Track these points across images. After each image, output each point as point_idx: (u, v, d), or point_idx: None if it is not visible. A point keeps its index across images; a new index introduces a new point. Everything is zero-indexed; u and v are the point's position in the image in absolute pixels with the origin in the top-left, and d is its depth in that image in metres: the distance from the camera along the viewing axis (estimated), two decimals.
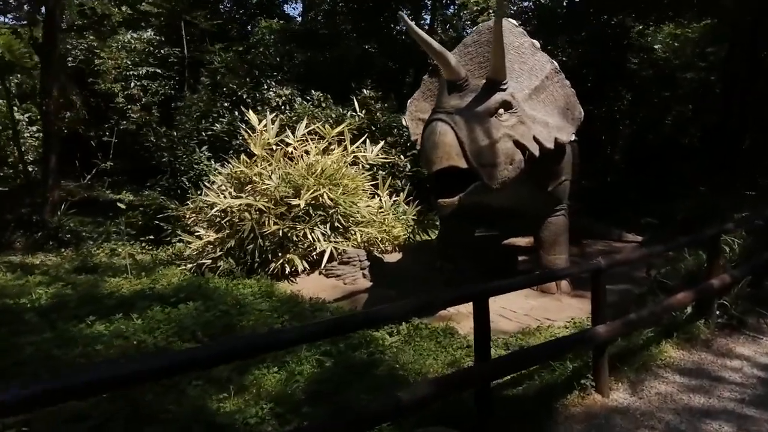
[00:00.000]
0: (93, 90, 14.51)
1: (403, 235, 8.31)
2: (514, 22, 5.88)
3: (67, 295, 5.65)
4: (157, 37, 15.09)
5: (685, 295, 4.34)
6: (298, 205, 6.77)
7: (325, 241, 7.01)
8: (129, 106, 13.52)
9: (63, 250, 8.75)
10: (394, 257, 7.84)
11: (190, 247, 7.00)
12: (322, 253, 6.89)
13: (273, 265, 6.70)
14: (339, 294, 6.24)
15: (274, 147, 7.66)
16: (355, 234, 7.45)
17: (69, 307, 5.25)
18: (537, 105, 5.61)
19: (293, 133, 8.04)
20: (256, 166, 7.24)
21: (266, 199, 6.93)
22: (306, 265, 6.85)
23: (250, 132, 7.80)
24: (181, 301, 5.44)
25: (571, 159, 6.22)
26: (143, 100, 13.67)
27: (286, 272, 6.70)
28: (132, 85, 14.42)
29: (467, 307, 5.31)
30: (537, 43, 5.92)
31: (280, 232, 6.73)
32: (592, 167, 10.58)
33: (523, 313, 5.57)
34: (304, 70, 11.47)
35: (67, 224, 9.36)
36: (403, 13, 5.69)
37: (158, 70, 14.47)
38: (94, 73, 14.10)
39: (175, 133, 9.22)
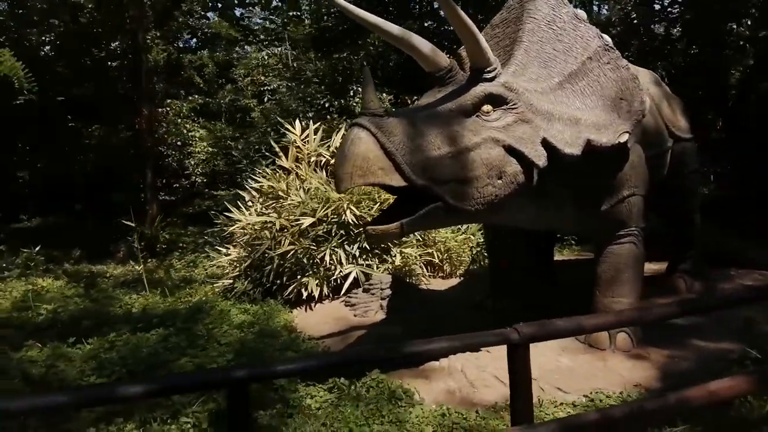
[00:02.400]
0: None
1: (467, 258, 7.06)
2: None
3: (67, 311, 5.64)
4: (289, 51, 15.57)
5: None
6: (314, 223, 6.02)
7: (350, 263, 6.15)
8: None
9: (151, 260, 9.16)
10: (446, 284, 6.67)
11: (213, 266, 6.68)
12: (348, 276, 6.05)
13: (291, 288, 6.04)
14: (339, 327, 5.33)
15: (314, 158, 7.00)
16: (395, 256, 6.45)
17: (53, 326, 5.18)
18: (570, 96, 4.18)
19: None
20: (284, 179, 6.65)
21: (292, 216, 6.30)
22: (327, 291, 6.06)
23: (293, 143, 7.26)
24: (153, 327, 5.06)
25: (637, 166, 4.53)
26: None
27: (303, 297, 5.98)
28: (266, 99, 15.07)
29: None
30: (582, 14, 4.44)
31: (297, 252, 6.03)
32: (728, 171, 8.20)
33: (539, 375, 4.10)
34: (402, 74, 10.70)
35: (163, 236, 9.84)
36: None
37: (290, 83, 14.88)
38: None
39: (239, 146, 9.17)
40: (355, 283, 6.04)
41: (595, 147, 4.01)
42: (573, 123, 4.03)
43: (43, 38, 14.01)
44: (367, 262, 6.30)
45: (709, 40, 10.34)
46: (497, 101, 3.79)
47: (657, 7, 11.73)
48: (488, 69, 3.77)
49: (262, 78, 15.63)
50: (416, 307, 5.61)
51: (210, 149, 14.91)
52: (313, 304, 6.00)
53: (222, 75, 19.42)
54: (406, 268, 6.50)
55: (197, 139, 15.08)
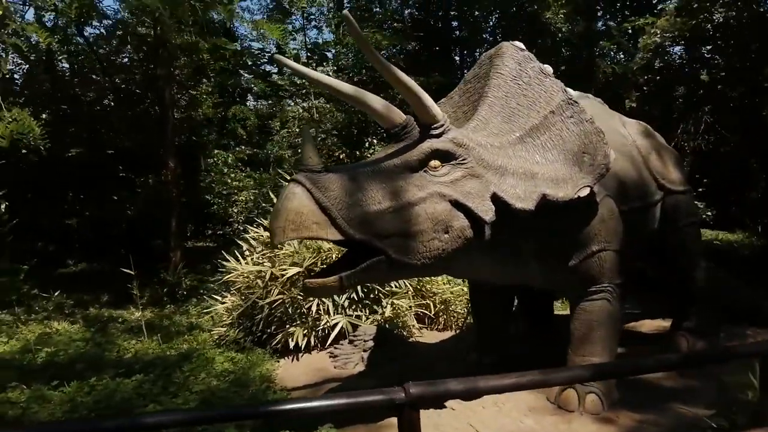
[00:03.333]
0: None
1: (463, 311, 6.94)
2: (519, 44, 4.54)
3: (67, 354, 5.90)
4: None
5: None
6: (303, 273, 6.11)
7: (338, 314, 6.18)
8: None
9: (169, 306, 9.47)
10: (439, 337, 6.57)
11: (211, 313, 6.85)
12: (335, 327, 6.07)
13: (279, 338, 6.10)
14: (316, 379, 5.33)
15: None
16: (386, 307, 6.44)
17: (47, 368, 5.42)
18: (530, 150, 4.19)
19: None
20: None
21: (284, 265, 6.42)
22: (315, 341, 6.09)
23: None
24: (134, 372, 5.22)
25: (607, 220, 4.42)
26: None
27: (291, 347, 6.02)
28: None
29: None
30: (548, 68, 4.48)
31: (284, 301, 6.13)
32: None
33: None
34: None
35: (186, 282, 10.19)
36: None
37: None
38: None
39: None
40: (343, 334, 6.05)
41: (552, 202, 3.97)
42: (529, 177, 4.02)
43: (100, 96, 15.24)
44: (356, 313, 6.32)
45: (749, 86, 10.18)
46: (445, 157, 3.84)
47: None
48: (435, 125, 3.84)
49: (297, 130, 16.27)
50: (398, 360, 5.56)
51: (252, 198, 15.55)
52: (300, 355, 6.03)
53: (263, 127, 20.41)
54: (398, 320, 6.47)
55: (239, 188, 15.72)
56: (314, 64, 13.90)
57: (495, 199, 3.88)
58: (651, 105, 12.02)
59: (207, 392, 4.76)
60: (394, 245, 3.62)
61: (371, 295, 6.47)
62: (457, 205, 3.79)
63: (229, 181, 16.06)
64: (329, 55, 16.11)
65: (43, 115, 14.89)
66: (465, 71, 13.40)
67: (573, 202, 4.04)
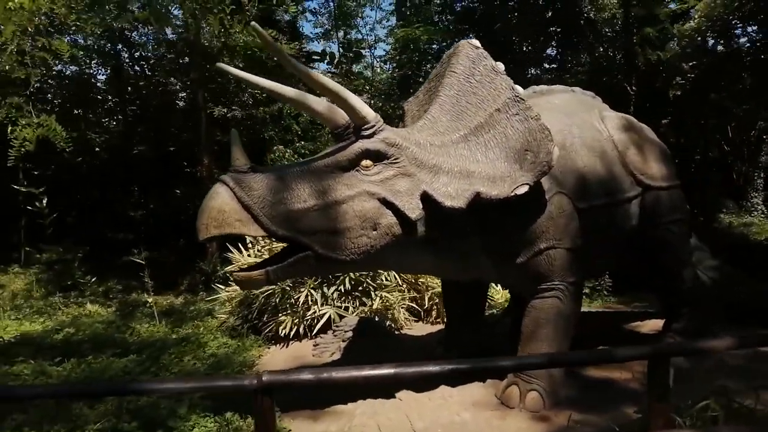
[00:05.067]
0: None
1: None
2: (475, 42, 4.58)
3: (85, 334, 6.54)
4: None
5: None
6: None
7: (326, 305, 6.44)
8: None
9: (202, 293, 10.10)
10: (429, 330, 6.68)
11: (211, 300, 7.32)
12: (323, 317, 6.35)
13: (272, 326, 6.45)
14: (290, 365, 5.61)
15: None
16: (374, 299, 6.62)
17: (59, 346, 6.06)
18: (472, 148, 4.26)
19: None
20: None
21: None
22: (304, 330, 6.38)
23: None
24: (131, 353, 5.74)
25: (557, 218, 4.39)
26: None
27: (281, 335, 6.35)
28: None
29: None
30: (500, 66, 4.48)
31: (275, 291, 6.46)
32: None
33: (427, 428, 4.05)
34: None
35: (219, 270, 10.81)
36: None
37: None
38: None
39: None
40: (331, 325, 6.31)
41: (486, 200, 4.01)
42: (465, 176, 4.08)
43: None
44: (345, 305, 6.55)
45: None
46: (377, 156, 3.99)
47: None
48: (366, 126, 3.98)
49: None
50: (374, 351, 5.73)
51: None
52: (289, 343, 6.35)
53: (314, 122, 21.08)
54: (388, 312, 6.63)
55: None
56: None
57: (426, 197, 3.98)
58: (698, 94, 11.34)
59: (184, 374, 5.17)
60: (320, 241, 3.81)
61: (359, 288, 6.68)
62: (385, 203, 3.93)
63: None
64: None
65: (115, 118, 16.35)
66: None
67: (510, 200, 4.06)
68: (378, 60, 16.59)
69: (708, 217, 11.81)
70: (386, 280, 6.82)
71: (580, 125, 5.02)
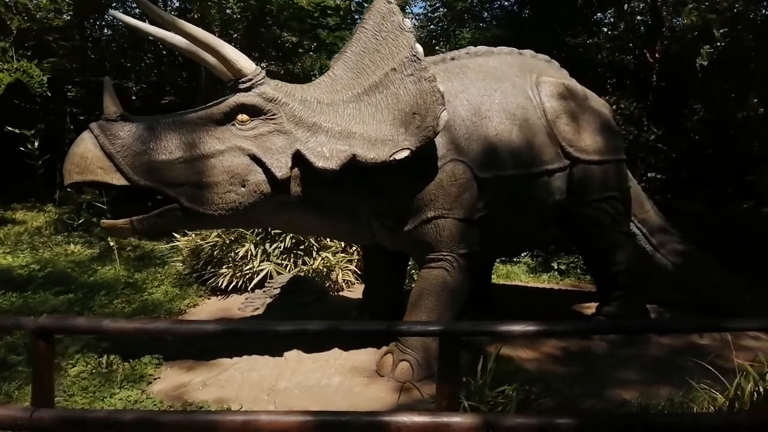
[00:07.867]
0: None
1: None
2: None
3: (58, 272, 6.96)
4: None
5: None
6: None
7: (267, 261, 6.51)
8: None
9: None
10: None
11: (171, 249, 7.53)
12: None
13: (212, 278, 6.60)
14: (215, 317, 5.74)
15: None
16: (315, 260, 6.63)
17: (30, 282, 6.44)
18: (362, 109, 4.16)
19: None
20: None
21: None
22: (243, 284, 6.48)
23: None
24: (72, 291, 6.06)
25: (447, 186, 4.21)
26: None
27: (223, 287, 6.48)
28: None
29: None
30: (407, 23, 4.26)
31: (218, 244, 6.58)
32: None
33: (288, 387, 4.06)
34: None
35: None
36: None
37: None
38: None
39: None
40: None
41: (362, 164, 3.89)
42: (345, 137, 3.97)
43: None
44: (285, 263, 6.59)
45: None
46: (253, 111, 3.94)
47: None
48: (243, 79, 3.91)
49: None
50: (294, 309, 5.77)
51: None
52: (227, 296, 6.47)
53: None
54: (333, 273, 6.62)
55: None
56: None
57: (298, 156, 3.90)
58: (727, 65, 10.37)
59: (107, 315, 5.41)
60: (186, 194, 3.84)
61: (301, 246, 6.69)
62: (255, 159, 3.89)
63: None
64: None
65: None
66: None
67: (389, 164, 3.93)
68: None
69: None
70: (330, 240, 6.79)
71: (506, 90, 4.71)
